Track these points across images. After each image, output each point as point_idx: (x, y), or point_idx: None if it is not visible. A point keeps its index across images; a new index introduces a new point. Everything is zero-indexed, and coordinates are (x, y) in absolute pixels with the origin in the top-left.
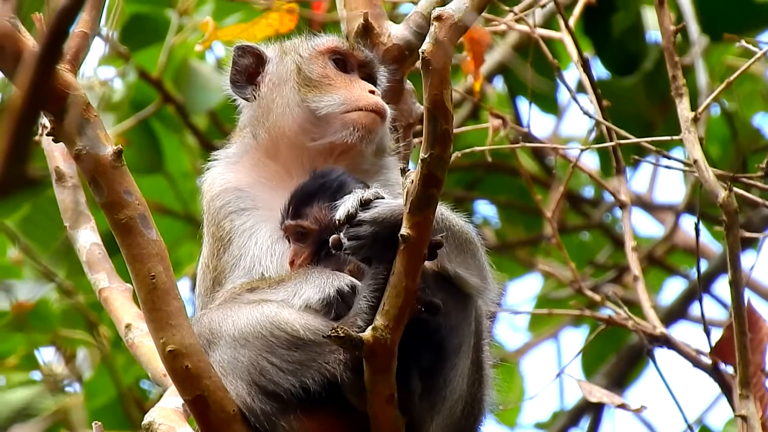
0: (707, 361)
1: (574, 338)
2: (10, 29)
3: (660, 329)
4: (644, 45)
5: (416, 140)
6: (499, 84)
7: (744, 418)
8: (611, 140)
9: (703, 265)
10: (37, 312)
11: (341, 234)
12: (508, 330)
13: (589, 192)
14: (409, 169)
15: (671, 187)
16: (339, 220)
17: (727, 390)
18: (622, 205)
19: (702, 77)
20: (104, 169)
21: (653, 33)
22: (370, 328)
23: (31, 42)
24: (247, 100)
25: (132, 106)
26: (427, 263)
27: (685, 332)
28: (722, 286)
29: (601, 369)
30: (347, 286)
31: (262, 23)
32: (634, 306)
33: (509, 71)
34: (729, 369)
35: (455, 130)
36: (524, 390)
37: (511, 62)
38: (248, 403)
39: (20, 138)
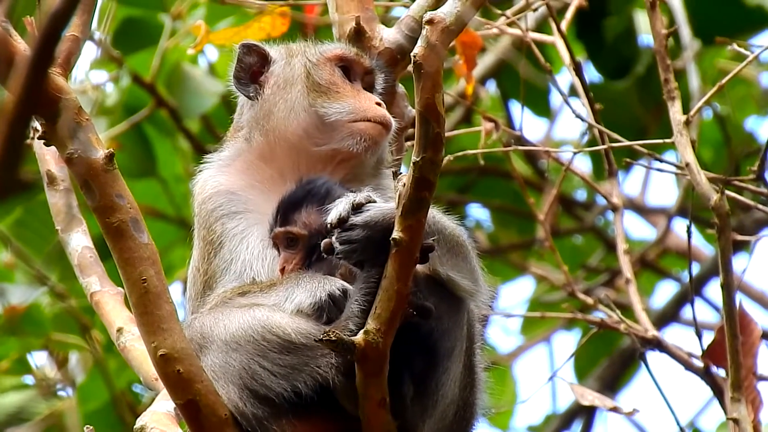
0: (699, 364)
1: (567, 341)
2: (1, 33)
3: (652, 332)
4: (637, 49)
5: (408, 144)
6: (492, 87)
7: (736, 421)
8: (603, 143)
9: (696, 268)
10: (30, 316)
11: (333, 238)
12: (501, 333)
13: (581, 195)
14: (401, 173)
15: (664, 190)
16: (331, 224)
17: (718, 393)
18: (614, 209)
19: (694, 81)
20: (96, 172)
21: (646, 37)
22: (362, 331)
23: (22, 46)
24: (249, 98)
25: (125, 110)
26: (419, 267)
27: (677, 335)
28: (714, 289)
29: (594, 372)
30: (339, 290)
31: (254, 27)
32: (626, 309)
33: (502, 74)
34: (721, 372)
35: (447, 134)
36: (517, 393)
37: (503, 65)
38: (240, 407)
39: (12, 142)
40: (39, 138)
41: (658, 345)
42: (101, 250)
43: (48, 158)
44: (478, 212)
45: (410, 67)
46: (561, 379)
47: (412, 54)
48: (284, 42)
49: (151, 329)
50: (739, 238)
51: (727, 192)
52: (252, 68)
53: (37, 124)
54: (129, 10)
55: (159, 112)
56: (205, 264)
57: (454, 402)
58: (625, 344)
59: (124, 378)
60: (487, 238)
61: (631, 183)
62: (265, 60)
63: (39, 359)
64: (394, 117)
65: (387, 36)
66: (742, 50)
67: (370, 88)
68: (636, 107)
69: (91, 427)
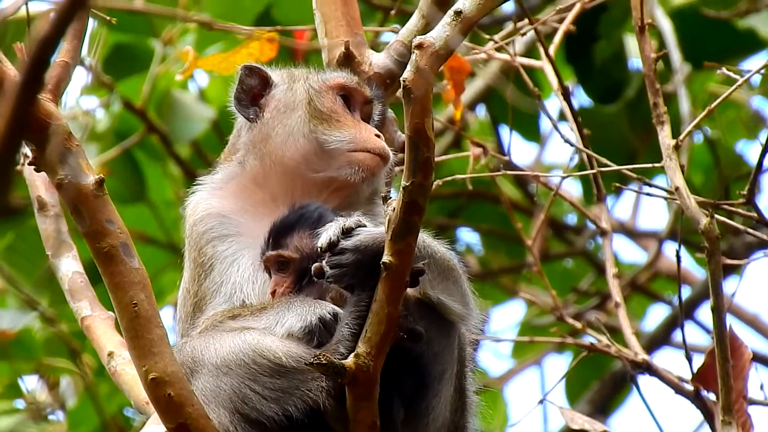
0: (690, 387)
1: (558, 365)
2: None
3: (642, 356)
4: (627, 73)
5: (398, 168)
6: (481, 112)
7: None
8: (593, 168)
9: (686, 292)
10: (21, 340)
11: (323, 262)
12: (492, 356)
13: (572, 219)
14: (390, 197)
15: (654, 214)
16: (321, 248)
17: (709, 416)
18: (603, 233)
19: (684, 104)
20: (86, 198)
21: (635, 61)
22: (352, 355)
23: (12, 71)
24: (249, 120)
25: (116, 136)
26: (409, 290)
27: (669, 358)
28: (705, 312)
29: (585, 396)
30: (329, 314)
31: (242, 52)
32: (617, 332)
33: (491, 99)
34: (711, 395)
35: (437, 158)
36: (508, 416)
37: (493, 90)
38: (231, 430)
39: (2, 167)
40: (29, 164)
41: (648, 369)
42: (92, 274)
43: (38, 184)
44: (468, 236)
45: (400, 92)
46: (551, 402)
47: (401, 78)
48: (273, 67)
49: (142, 353)
50: (730, 262)
51: (717, 216)
52: (253, 90)
53: (27, 150)
54: (120, 36)
55: (149, 137)
56: (195, 286)
57: (444, 425)
58: (616, 367)
59: (115, 402)
60: (477, 262)
61: (621, 207)
62: (266, 83)
63: (30, 383)
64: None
65: (376, 61)
66: (731, 74)
67: (367, 118)
68: (626, 131)
69: None
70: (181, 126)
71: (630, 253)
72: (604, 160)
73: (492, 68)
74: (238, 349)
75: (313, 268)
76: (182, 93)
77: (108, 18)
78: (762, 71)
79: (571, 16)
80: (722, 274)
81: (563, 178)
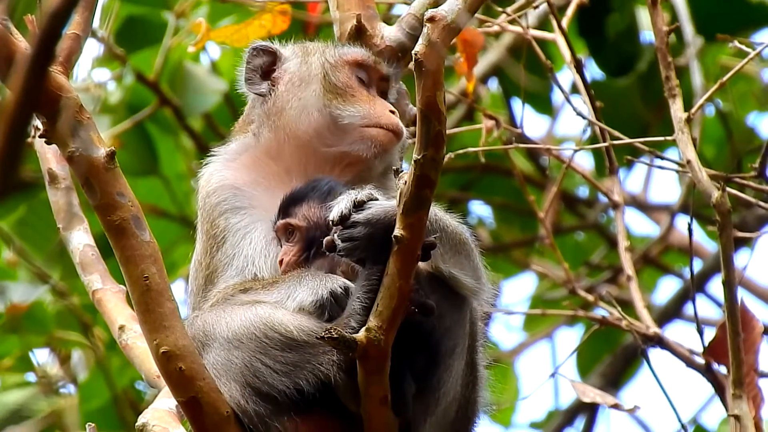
0: (701, 361)
1: (569, 338)
2: (2, 31)
3: (653, 329)
4: (639, 46)
5: (409, 141)
6: (493, 85)
7: (737, 417)
8: (605, 141)
9: (698, 265)
10: (32, 314)
11: (335, 235)
12: (503, 330)
13: (584, 192)
14: (402, 171)
15: (667, 187)
16: (332, 221)
17: (720, 390)
18: (616, 206)
19: (697, 78)
20: (97, 171)
21: (648, 34)
22: (363, 329)
23: (23, 44)
24: (261, 95)
25: (128, 109)
26: (421, 265)
27: (680, 331)
28: (716, 285)
29: (596, 369)
30: (340, 287)
31: (254, 24)
32: (629, 305)
33: (503, 72)
34: (722, 369)
35: (449, 132)
36: (519, 390)
37: (505, 63)
38: (242, 404)
39: (13, 140)
40: (40, 136)
41: (660, 342)
42: (103, 247)
43: (49, 157)
44: (480, 209)
45: (411, 65)
46: (563, 376)
47: (413, 52)
48: (285, 40)
49: (153, 327)
50: (741, 235)
51: (729, 189)
52: (262, 67)
53: (38, 123)
54: (132, 8)
55: (162, 110)
56: (207, 258)
57: (456, 400)
58: (627, 341)
59: (126, 375)
60: (489, 236)
61: (633, 180)
62: (275, 58)
63: (41, 357)
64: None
65: (388, 34)
66: (743, 47)
67: (383, 94)
68: (638, 104)
69: (93, 425)
70: (194, 99)
71: (642, 226)
72: (617, 133)
73: (504, 41)
74: (250, 323)
75: (324, 242)
76: (195, 65)
77: None
78: None
79: None
80: (734, 247)
81: (575, 151)
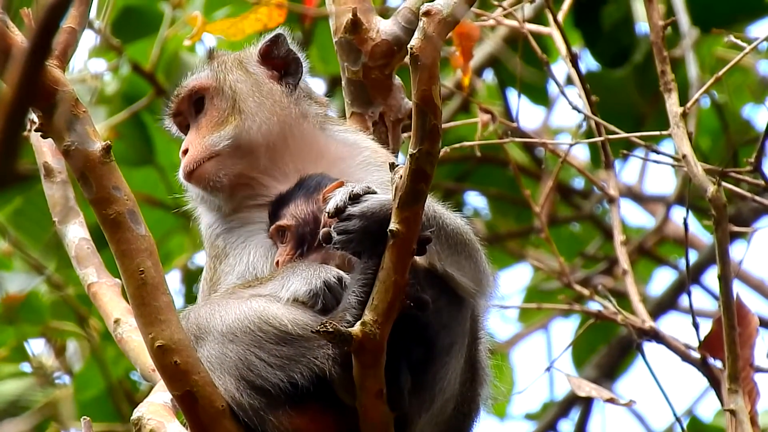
0: (696, 355)
1: (565, 329)
2: None
3: (649, 323)
4: (634, 37)
5: (405, 135)
6: (489, 76)
7: (733, 412)
8: (600, 135)
9: (693, 256)
10: (28, 304)
11: (331, 227)
12: (499, 321)
13: (579, 183)
14: (398, 164)
15: (662, 178)
16: (328, 213)
17: (715, 384)
18: (611, 200)
19: (692, 69)
20: (93, 164)
21: (644, 25)
22: (359, 323)
23: (20, 38)
24: None
25: (124, 99)
26: (419, 259)
27: (675, 323)
28: (712, 277)
29: (592, 360)
30: (334, 277)
31: (251, 18)
32: (624, 297)
33: (499, 63)
34: (718, 363)
35: (444, 125)
36: (514, 381)
37: (501, 55)
38: (237, 398)
39: (9, 134)
40: (36, 130)
41: (655, 336)
42: (98, 240)
43: (45, 150)
44: (475, 200)
45: (407, 59)
46: (558, 369)
47: (409, 46)
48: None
49: (149, 320)
50: (737, 229)
51: (724, 183)
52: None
53: (34, 117)
54: None
55: (158, 100)
56: (211, 272)
57: (453, 397)
58: (623, 333)
59: (121, 365)
60: (484, 226)
61: (629, 171)
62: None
63: (36, 347)
64: (390, 109)
65: (384, 28)
66: (738, 42)
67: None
68: (634, 95)
69: (88, 419)
70: None
71: (637, 217)
72: (612, 127)
73: (500, 34)
74: (244, 317)
75: (321, 233)
76: (191, 56)
77: None
78: None
79: None
80: (729, 241)
81: (571, 145)
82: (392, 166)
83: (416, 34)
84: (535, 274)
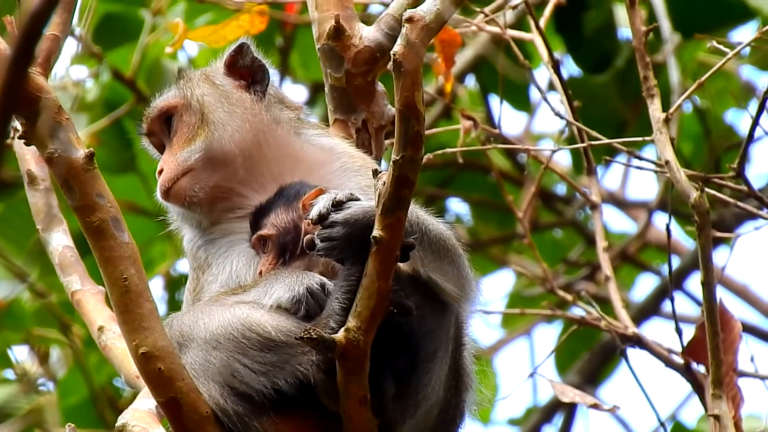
0: (679, 360)
1: (548, 335)
2: None
3: (632, 329)
4: (616, 43)
5: (388, 142)
6: (471, 82)
7: (717, 417)
8: (582, 140)
9: (676, 262)
10: (11, 311)
11: (315, 234)
12: (482, 327)
13: (561, 189)
14: (381, 171)
15: (644, 184)
16: (311, 220)
17: (699, 390)
18: (593, 206)
19: (674, 75)
20: (76, 172)
21: (625, 30)
22: (342, 329)
23: (2, 45)
24: None
25: (105, 106)
26: (403, 266)
27: (657, 329)
28: (695, 283)
29: (575, 366)
30: (317, 284)
31: (232, 25)
32: (607, 303)
33: (481, 69)
34: (701, 368)
35: (427, 131)
36: (498, 387)
37: (485, 59)
38: (221, 404)
39: None
40: (19, 137)
41: (638, 342)
42: (81, 247)
43: (28, 158)
44: (457, 206)
45: (390, 66)
46: (542, 376)
47: (391, 52)
48: (263, 40)
49: (132, 327)
50: (720, 235)
51: (707, 189)
52: None
53: (17, 124)
54: (109, 6)
55: (139, 107)
56: (194, 283)
57: (437, 404)
58: (605, 338)
59: (104, 372)
60: (467, 233)
61: (611, 176)
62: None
63: (20, 354)
64: (373, 116)
65: (366, 34)
66: (721, 47)
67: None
68: (616, 101)
69: (73, 425)
70: None
71: (619, 222)
72: (594, 134)
73: (482, 39)
74: (227, 323)
75: (304, 240)
76: (172, 63)
77: None
78: (752, 43)
79: None
80: (712, 247)
81: (554, 152)
82: (375, 173)
83: (399, 41)
84: (517, 280)
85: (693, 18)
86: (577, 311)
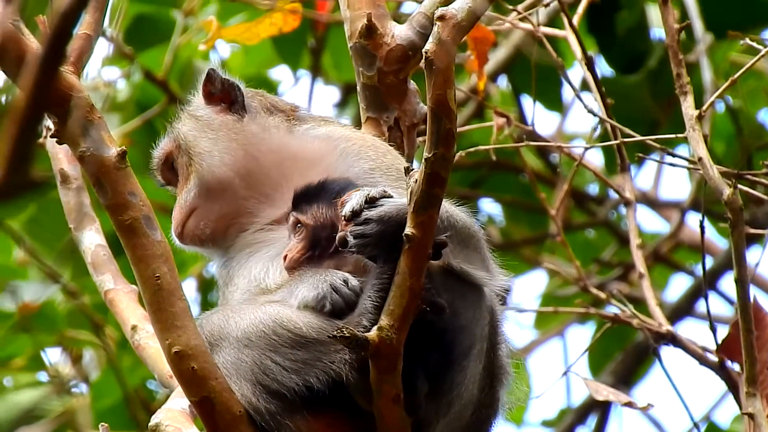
0: (714, 359)
1: (581, 335)
2: (13, 32)
3: (666, 327)
4: (649, 43)
5: (420, 140)
6: (503, 82)
7: (751, 415)
8: (616, 138)
9: (709, 262)
10: (43, 313)
11: (347, 231)
12: (515, 328)
13: (594, 189)
14: (413, 169)
15: (677, 184)
16: (345, 217)
17: (733, 388)
18: (627, 203)
19: (707, 74)
20: (108, 170)
21: (657, 31)
22: (375, 328)
23: (34, 44)
24: None
25: (137, 107)
26: (433, 263)
27: (691, 329)
28: (728, 282)
29: (608, 367)
30: (340, 280)
31: (265, 23)
32: (640, 303)
33: (514, 69)
34: (735, 367)
35: (459, 129)
36: (531, 387)
37: (515, 60)
38: (254, 403)
39: (24, 140)
40: (51, 136)
41: (672, 340)
42: (114, 246)
43: (60, 156)
44: (490, 207)
45: (422, 64)
46: (575, 374)
47: (423, 50)
48: (295, 39)
49: (165, 326)
50: (753, 231)
51: (740, 186)
52: None
53: (49, 123)
54: (141, 7)
55: (171, 108)
56: (221, 299)
57: (471, 402)
58: (639, 338)
59: (138, 374)
60: (499, 233)
61: (643, 176)
62: None
63: (53, 356)
64: (405, 114)
65: (398, 33)
66: (754, 44)
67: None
68: (648, 101)
69: (106, 425)
70: None
71: (652, 223)
72: (628, 131)
73: (514, 39)
74: (258, 321)
75: (337, 237)
76: (204, 63)
77: None
78: None
79: None
80: (745, 244)
81: (587, 148)
82: (407, 171)
83: (431, 39)
84: (550, 280)
85: (725, 18)
86: (611, 310)
